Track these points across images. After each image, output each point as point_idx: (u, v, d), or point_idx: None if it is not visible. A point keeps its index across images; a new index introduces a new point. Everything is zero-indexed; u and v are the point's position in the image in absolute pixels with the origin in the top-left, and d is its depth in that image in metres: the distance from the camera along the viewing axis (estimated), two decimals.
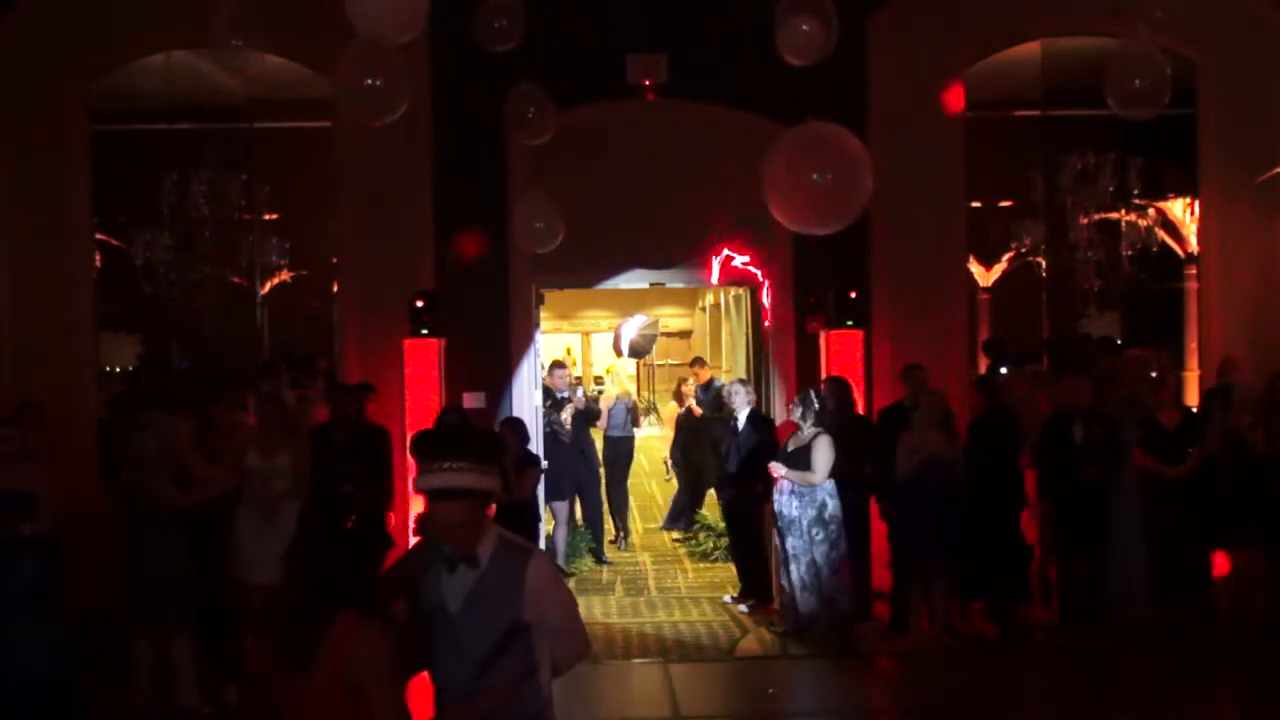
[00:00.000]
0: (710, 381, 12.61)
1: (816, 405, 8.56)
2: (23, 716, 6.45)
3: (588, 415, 11.30)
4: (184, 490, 7.06)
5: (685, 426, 12.48)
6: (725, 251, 10.40)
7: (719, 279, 10.67)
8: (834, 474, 8.42)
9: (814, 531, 8.36)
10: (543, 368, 11.27)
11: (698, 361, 13.64)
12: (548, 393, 10.97)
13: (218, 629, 7.40)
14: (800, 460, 8.43)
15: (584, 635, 3.57)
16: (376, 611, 3.17)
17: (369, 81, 6.56)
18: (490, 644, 3.31)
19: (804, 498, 8.40)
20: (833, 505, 8.41)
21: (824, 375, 9.82)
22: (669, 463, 13.12)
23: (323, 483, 8.30)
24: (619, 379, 13.10)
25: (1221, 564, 8.51)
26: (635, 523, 13.06)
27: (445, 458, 3.26)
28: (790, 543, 8.49)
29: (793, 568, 8.49)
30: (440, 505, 3.28)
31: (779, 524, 8.61)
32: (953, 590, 8.55)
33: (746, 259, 10.49)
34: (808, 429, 8.50)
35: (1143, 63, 7.01)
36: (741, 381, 10.10)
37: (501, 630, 3.31)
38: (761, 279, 10.50)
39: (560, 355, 24.75)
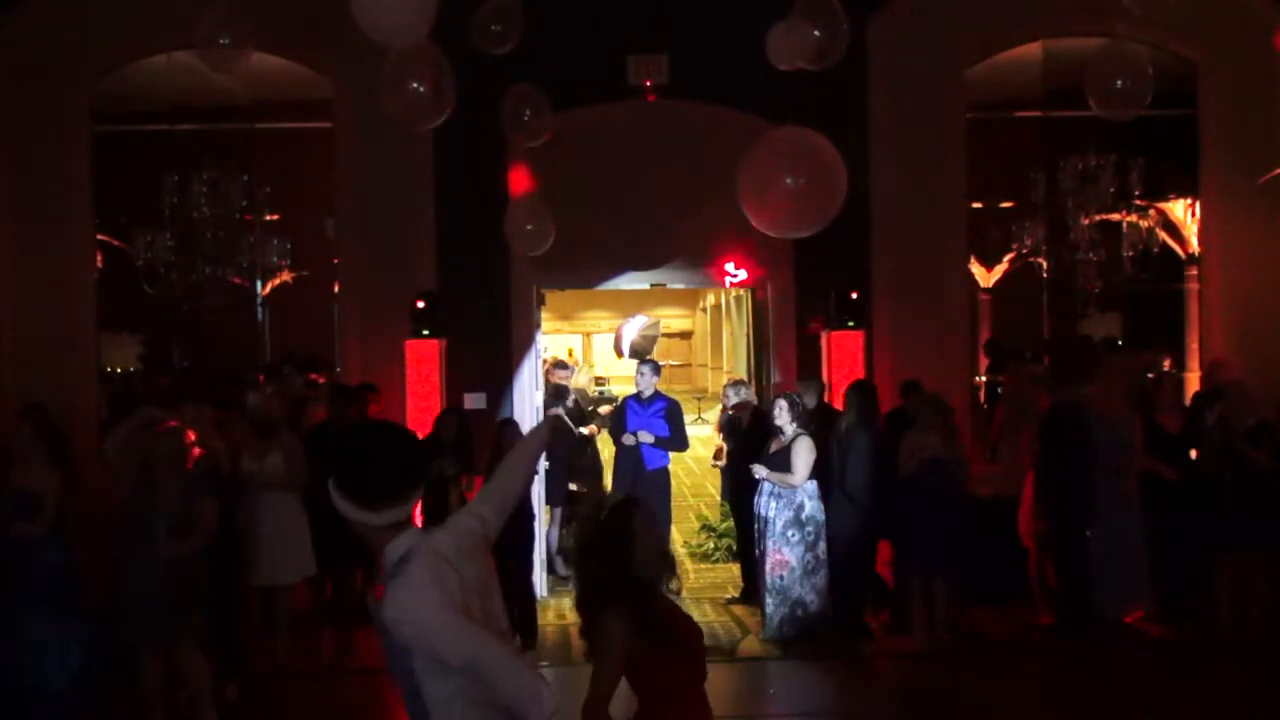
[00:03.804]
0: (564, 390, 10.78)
1: (798, 407, 8.52)
2: (38, 715, 6.46)
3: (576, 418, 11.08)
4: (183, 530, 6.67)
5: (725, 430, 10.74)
6: (729, 261, 10.45)
7: (724, 279, 10.69)
8: (814, 475, 8.41)
9: (789, 533, 8.35)
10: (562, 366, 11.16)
11: (559, 364, 11.49)
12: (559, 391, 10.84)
13: (222, 630, 7.40)
14: (782, 462, 8.43)
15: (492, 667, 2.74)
16: None
17: (414, 86, 6.59)
18: (401, 665, 2.93)
19: (782, 499, 8.37)
20: (811, 507, 8.38)
21: (825, 376, 9.83)
22: (723, 451, 10.87)
23: (320, 482, 8.33)
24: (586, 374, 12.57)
25: (1222, 565, 8.49)
26: None
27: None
28: (758, 543, 8.50)
29: (761, 569, 8.52)
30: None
31: (757, 525, 8.62)
32: (954, 591, 8.54)
33: (743, 274, 10.56)
34: (789, 431, 8.48)
35: (1124, 62, 6.99)
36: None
37: (402, 651, 2.88)
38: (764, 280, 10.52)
39: (561, 355, 24.82)
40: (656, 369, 9.92)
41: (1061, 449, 8.44)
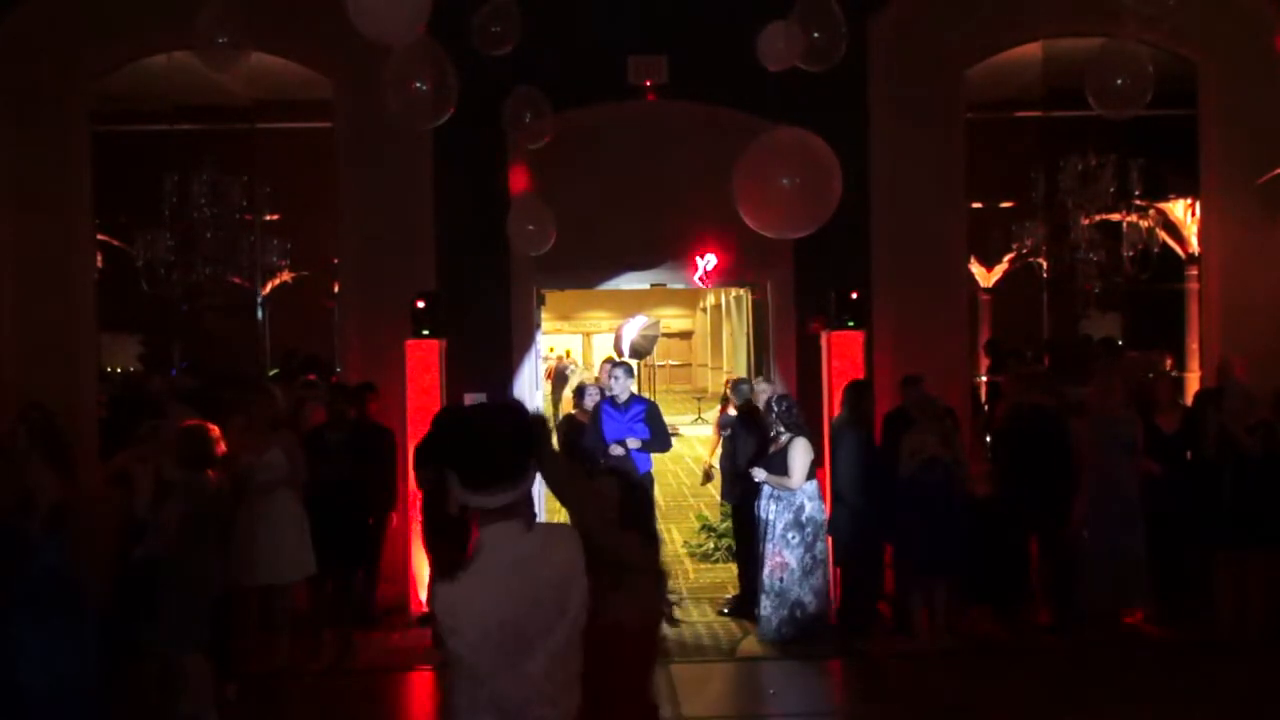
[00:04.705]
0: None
1: (787, 408, 8.50)
2: (36, 716, 6.44)
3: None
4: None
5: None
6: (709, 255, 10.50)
7: (712, 280, 10.71)
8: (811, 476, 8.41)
9: (789, 535, 8.34)
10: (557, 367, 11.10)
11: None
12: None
13: (220, 630, 7.39)
14: (780, 464, 8.41)
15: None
16: None
17: (416, 85, 6.59)
18: None
19: (781, 501, 8.36)
20: (810, 508, 8.37)
21: (826, 376, 9.81)
22: (712, 468, 10.94)
23: (319, 482, 8.33)
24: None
25: (1222, 565, 8.49)
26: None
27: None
28: (759, 546, 8.49)
29: (760, 570, 8.51)
30: None
31: (756, 527, 8.61)
32: (955, 592, 8.54)
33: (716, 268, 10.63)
34: (784, 433, 8.47)
35: (1125, 61, 6.99)
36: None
37: None
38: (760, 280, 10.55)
39: (560, 355, 24.81)
40: (630, 372, 9.62)
41: (1024, 450, 8.48)
